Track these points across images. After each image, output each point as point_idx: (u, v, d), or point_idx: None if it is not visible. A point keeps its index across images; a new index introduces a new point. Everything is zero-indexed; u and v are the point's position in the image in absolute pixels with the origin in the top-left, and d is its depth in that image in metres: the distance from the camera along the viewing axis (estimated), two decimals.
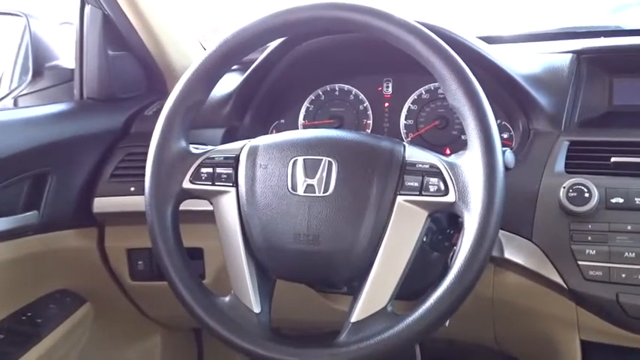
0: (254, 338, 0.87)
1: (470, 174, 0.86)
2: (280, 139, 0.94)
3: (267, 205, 0.90)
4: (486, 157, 0.85)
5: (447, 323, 0.95)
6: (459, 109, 0.87)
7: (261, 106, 1.24)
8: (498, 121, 1.17)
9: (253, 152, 0.93)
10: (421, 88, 1.23)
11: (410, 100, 1.24)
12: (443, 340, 1.57)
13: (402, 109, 1.23)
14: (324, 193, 0.88)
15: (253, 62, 1.20)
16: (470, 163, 0.86)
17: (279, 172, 0.90)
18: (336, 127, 1.23)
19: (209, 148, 0.96)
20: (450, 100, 0.88)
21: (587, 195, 0.96)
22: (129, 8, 1.27)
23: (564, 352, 1.06)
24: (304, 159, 0.90)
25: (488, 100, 1.06)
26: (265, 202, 0.90)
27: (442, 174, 0.87)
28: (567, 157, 1.04)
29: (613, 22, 1.46)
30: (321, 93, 1.27)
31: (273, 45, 1.18)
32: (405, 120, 1.23)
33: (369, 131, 1.25)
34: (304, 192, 0.89)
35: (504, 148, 0.91)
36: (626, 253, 0.94)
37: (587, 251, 0.95)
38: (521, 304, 1.06)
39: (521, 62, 1.16)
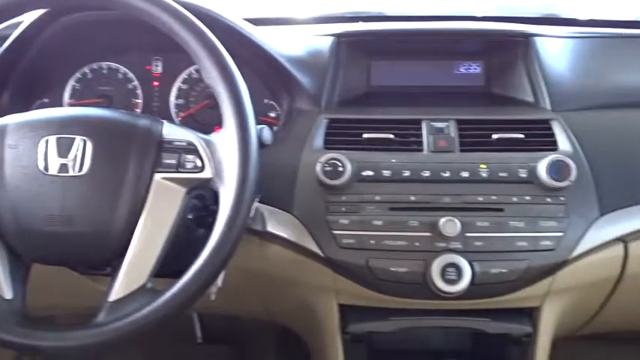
0: (3, 325, 0.84)
1: (225, 150, 0.90)
2: (31, 117, 0.92)
3: (18, 187, 0.88)
4: (240, 134, 0.89)
5: (212, 297, 0.98)
6: (214, 87, 0.91)
7: (21, 84, 1.19)
8: (266, 101, 1.24)
9: (2, 132, 0.90)
10: (191, 68, 1.25)
11: (180, 79, 1.26)
12: (223, 317, 1.61)
13: (172, 88, 1.25)
14: (78, 172, 0.88)
15: (8, 37, 1.14)
16: (225, 140, 0.90)
17: (30, 152, 0.88)
18: (104, 107, 1.21)
19: None
20: (206, 78, 0.92)
21: (340, 169, 1.04)
22: None
23: (325, 316, 1.14)
24: (57, 138, 0.89)
25: (255, 80, 1.14)
26: (15, 184, 0.88)
27: (198, 151, 0.91)
28: (326, 134, 1.13)
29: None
30: (88, 71, 1.25)
31: (30, 18, 1.12)
32: (176, 99, 1.25)
33: (138, 111, 1.25)
34: (58, 172, 0.88)
35: (261, 126, 0.98)
36: (375, 221, 1.03)
37: (341, 221, 1.03)
38: (285, 275, 1.13)
39: (285, 44, 1.22)
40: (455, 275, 1.00)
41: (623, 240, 1.10)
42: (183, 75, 1.26)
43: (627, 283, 1.15)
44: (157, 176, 0.90)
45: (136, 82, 1.26)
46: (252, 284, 1.17)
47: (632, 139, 1.16)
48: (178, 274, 0.87)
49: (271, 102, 1.24)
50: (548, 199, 1.05)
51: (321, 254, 1.04)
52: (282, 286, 1.16)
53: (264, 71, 1.21)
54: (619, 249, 1.11)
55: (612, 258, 1.11)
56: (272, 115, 1.24)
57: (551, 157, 1.05)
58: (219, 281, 0.98)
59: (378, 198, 1.05)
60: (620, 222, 1.08)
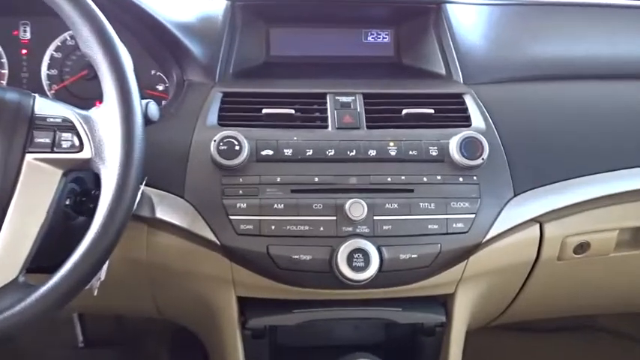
0: None
1: (106, 127, 0.92)
2: None
3: None
4: (122, 109, 0.91)
5: (95, 292, 1.00)
6: (93, 57, 0.93)
7: None
8: (153, 72, 1.26)
9: None
10: (65, 34, 1.26)
11: (52, 46, 1.26)
12: (108, 317, 1.62)
13: (44, 57, 1.25)
14: None
15: None
16: (106, 116, 0.92)
17: None
18: None
19: None
20: (83, 47, 0.94)
21: (237, 148, 1.07)
22: None
23: (222, 311, 1.17)
24: None
25: (140, 49, 1.15)
26: None
27: (76, 128, 0.93)
28: (221, 110, 1.16)
29: None
30: None
31: None
32: (48, 70, 1.25)
33: (4, 82, 1.24)
34: None
35: (146, 100, 1.00)
36: (276, 205, 1.07)
37: (238, 205, 1.06)
38: (177, 266, 1.16)
39: (174, 9, 1.24)
40: (362, 262, 1.04)
41: (539, 221, 1.18)
42: (57, 42, 1.26)
43: (543, 266, 1.24)
44: (29, 157, 0.91)
45: (0, 50, 1.24)
46: (140, 277, 1.19)
47: (546, 114, 1.24)
48: (55, 269, 0.88)
49: (159, 73, 1.26)
50: (460, 179, 1.11)
51: (217, 242, 1.07)
52: (175, 278, 1.18)
53: (150, 39, 1.23)
54: (535, 230, 1.19)
55: (528, 240, 1.19)
56: (160, 88, 1.27)
57: (463, 133, 1.11)
58: (102, 274, 1.00)
59: (278, 179, 1.08)
60: (535, 201, 1.15)
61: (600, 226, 1.24)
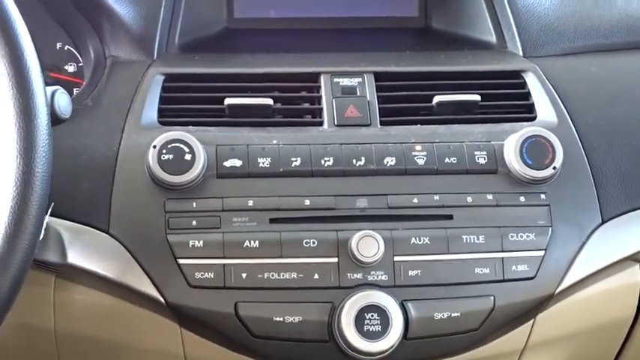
0: None
1: None
2: None
3: None
4: (18, 101, 0.91)
5: None
6: None
7: None
8: (60, 46, 1.29)
9: None
10: None
11: None
12: None
13: None
14: None
15: None
16: None
17: None
18: None
19: None
20: None
21: (188, 157, 1.08)
22: None
23: None
24: None
25: (40, 12, 1.19)
26: None
27: None
28: (162, 100, 1.17)
29: None
30: None
31: None
32: None
33: None
34: None
35: (53, 88, 0.99)
36: (247, 242, 1.08)
37: (191, 243, 1.08)
38: (97, 334, 1.17)
39: None
40: (378, 325, 1.06)
41: (639, 259, 1.19)
42: None
43: None
44: None
45: None
46: (48, 352, 1.20)
47: None
48: None
49: (68, 47, 1.28)
50: (522, 199, 1.13)
51: (161, 299, 1.08)
52: (99, 353, 1.19)
53: (59, 2, 1.26)
54: (634, 273, 1.21)
55: (625, 287, 1.22)
56: (70, 69, 1.29)
57: (526, 130, 1.13)
58: None
59: (251, 203, 1.10)
60: (633, 231, 1.18)
61: None
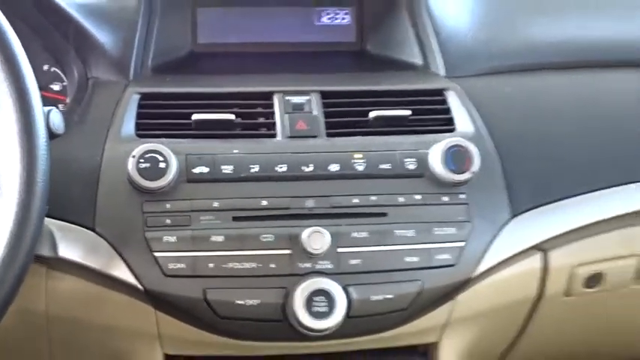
0: None
1: None
2: None
3: None
4: (21, 121, 0.94)
5: None
6: None
7: None
8: (46, 67, 1.31)
9: None
10: None
11: None
12: None
13: None
14: None
15: None
16: None
17: None
18: None
19: None
20: None
21: (162, 165, 1.11)
22: None
23: None
24: None
25: (31, 38, 1.19)
26: None
27: None
28: (138, 116, 1.20)
29: None
30: None
31: None
32: None
33: None
34: None
35: (49, 107, 1.02)
36: (214, 237, 1.12)
37: (165, 238, 1.11)
38: (86, 318, 1.19)
39: None
40: (325, 306, 1.09)
41: (542, 248, 1.25)
42: None
43: (548, 304, 1.31)
44: None
45: None
46: (36, 334, 1.22)
47: (551, 113, 1.32)
48: None
49: (55, 69, 1.30)
50: (445, 198, 1.18)
51: (139, 286, 1.11)
52: (83, 334, 1.22)
53: (42, 24, 1.27)
54: (536, 260, 1.26)
55: (528, 272, 1.26)
56: (56, 88, 1.30)
57: (447, 141, 1.17)
58: None
59: (216, 204, 1.13)
60: (536, 224, 1.23)
61: (616, 253, 1.31)
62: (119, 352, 1.22)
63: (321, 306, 1.10)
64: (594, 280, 1.32)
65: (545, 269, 1.27)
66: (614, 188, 1.28)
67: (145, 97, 1.22)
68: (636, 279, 1.35)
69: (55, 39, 1.26)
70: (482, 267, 1.19)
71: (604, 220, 1.26)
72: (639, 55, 1.42)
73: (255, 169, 1.16)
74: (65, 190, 1.11)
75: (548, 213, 1.24)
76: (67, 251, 1.12)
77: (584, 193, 1.26)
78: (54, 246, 1.11)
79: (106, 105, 1.21)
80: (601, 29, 1.45)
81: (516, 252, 1.22)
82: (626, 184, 1.28)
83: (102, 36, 1.26)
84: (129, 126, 1.18)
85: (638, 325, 1.47)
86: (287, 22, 1.40)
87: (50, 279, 1.16)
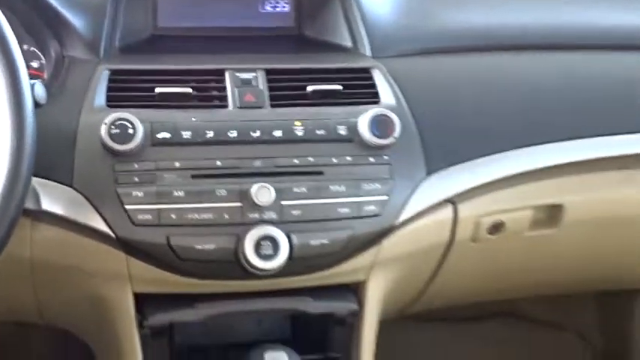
0: None
1: None
2: None
3: None
4: (10, 91, 1.00)
5: None
6: None
7: None
8: (26, 47, 1.34)
9: None
10: None
11: None
12: None
13: None
14: None
15: None
16: None
17: None
18: None
19: None
20: None
21: (131, 131, 1.15)
22: None
23: (117, 309, 1.27)
24: None
25: (12, 21, 1.19)
26: None
27: None
28: (109, 89, 1.25)
29: None
30: None
31: None
32: None
33: None
34: None
35: (33, 81, 1.09)
36: (175, 192, 1.17)
37: (134, 193, 1.16)
38: (66, 262, 1.24)
39: None
40: (271, 250, 1.16)
41: (452, 201, 1.33)
42: None
43: (458, 248, 1.40)
44: None
45: None
46: (23, 277, 1.27)
47: (460, 88, 1.41)
48: None
49: (33, 49, 1.34)
50: (371, 159, 1.24)
51: (112, 234, 1.16)
52: (63, 275, 1.27)
53: (22, 8, 1.31)
54: (448, 211, 1.34)
55: (441, 221, 1.34)
56: (35, 65, 1.34)
57: (373, 111, 1.23)
58: None
59: (177, 164, 1.18)
60: (448, 181, 1.31)
61: (514, 205, 1.40)
62: (95, 291, 1.27)
63: (267, 249, 1.16)
64: (496, 228, 1.41)
65: (455, 219, 1.35)
66: (513, 151, 1.36)
67: (114, 73, 1.26)
68: (530, 227, 1.45)
69: (34, 22, 1.31)
70: (403, 217, 1.26)
71: (505, 178, 1.35)
72: (532, 40, 1.51)
73: (210, 134, 1.21)
74: (47, 152, 1.14)
75: (458, 172, 1.32)
76: (49, 205, 1.16)
77: (488, 155, 1.34)
78: (38, 201, 1.16)
79: (80, 80, 1.25)
80: (504, 18, 1.54)
81: (431, 204, 1.29)
82: (522, 147, 1.37)
83: (75, 20, 1.30)
84: (101, 98, 1.22)
85: (532, 267, 1.58)
86: (236, 9, 1.45)
87: (34, 229, 1.20)
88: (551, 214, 1.46)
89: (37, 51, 1.33)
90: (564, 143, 1.39)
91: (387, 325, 1.46)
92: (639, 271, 1.70)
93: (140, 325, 1.27)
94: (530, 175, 1.37)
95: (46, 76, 1.31)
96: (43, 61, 1.33)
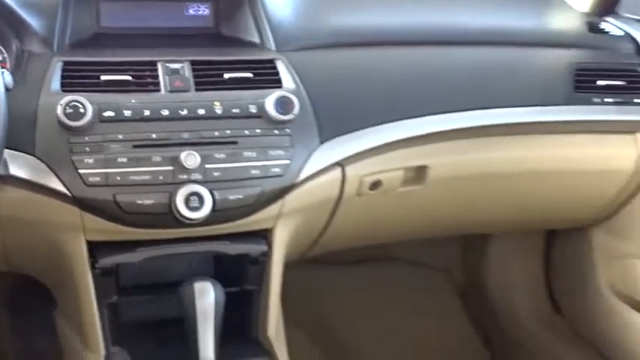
0: None
1: None
2: None
3: None
4: None
5: None
6: None
7: None
8: None
9: None
10: None
11: None
12: None
13: None
14: None
15: None
16: None
17: None
18: None
19: None
20: None
21: (82, 111, 1.25)
22: None
23: (73, 254, 1.36)
24: None
25: None
26: None
27: None
28: (62, 77, 1.36)
29: None
30: None
31: None
32: None
33: None
34: None
35: (1, 70, 1.21)
36: (120, 159, 1.27)
37: (86, 160, 1.25)
38: (30, 217, 1.33)
39: None
40: (198, 203, 1.26)
41: (341, 164, 1.45)
42: None
43: (346, 202, 1.54)
44: None
45: None
46: None
47: (347, 75, 1.56)
48: None
49: None
50: (276, 132, 1.35)
51: (68, 193, 1.25)
52: (27, 227, 1.37)
53: None
54: (337, 172, 1.46)
55: (332, 180, 1.46)
56: None
57: (277, 93, 1.35)
58: None
59: (120, 137, 1.28)
60: (337, 148, 1.43)
61: (390, 166, 1.53)
62: (55, 240, 1.36)
63: (195, 203, 1.26)
64: (375, 185, 1.54)
65: (343, 178, 1.47)
66: (390, 123, 1.50)
67: (66, 64, 1.35)
68: (402, 184, 1.59)
69: None
70: (302, 177, 1.37)
71: (382, 145, 1.49)
72: (406, 37, 1.67)
73: (147, 112, 1.30)
74: (14, 128, 1.21)
75: (346, 141, 1.44)
76: (16, 170, 1.25)
77: (369, 127, 1.46)
78: (6, 167, 1.24)
79: (38, 70, 1.34)
80: (385, 20, 1.70)
81: (324, 166, 1.41)
82: (396, 120, 1.51)
83: (32, 20, 1.40)
84: (56, 84, 1.31)
85: (405, 216, 1.74)
86: (164, 12, 1.55)
87: (3, 191, 1.27)
88: (418, 173, 1.59)
89: (0, 47, 1.42)
90: (430, 117, 1.52)
91: (291, 267, 1.60)
92: (491, 218, 1.88)
93: (92, 267, 1.36)
94: (402, 143, 1.49)
95: (9, 67, 1.40)
96: (6, 55, 1.42)
